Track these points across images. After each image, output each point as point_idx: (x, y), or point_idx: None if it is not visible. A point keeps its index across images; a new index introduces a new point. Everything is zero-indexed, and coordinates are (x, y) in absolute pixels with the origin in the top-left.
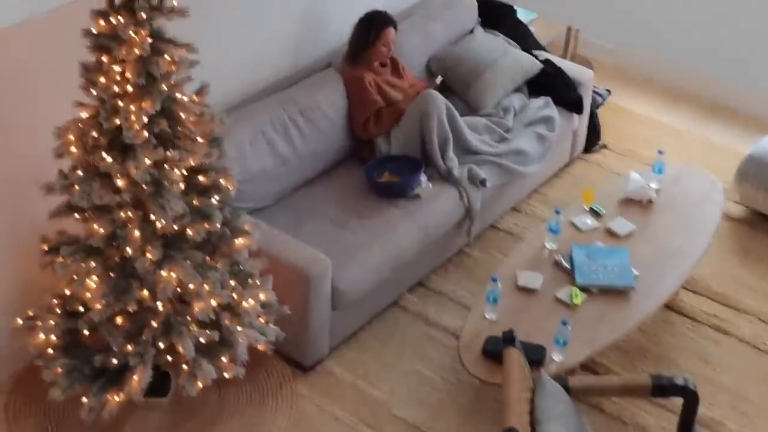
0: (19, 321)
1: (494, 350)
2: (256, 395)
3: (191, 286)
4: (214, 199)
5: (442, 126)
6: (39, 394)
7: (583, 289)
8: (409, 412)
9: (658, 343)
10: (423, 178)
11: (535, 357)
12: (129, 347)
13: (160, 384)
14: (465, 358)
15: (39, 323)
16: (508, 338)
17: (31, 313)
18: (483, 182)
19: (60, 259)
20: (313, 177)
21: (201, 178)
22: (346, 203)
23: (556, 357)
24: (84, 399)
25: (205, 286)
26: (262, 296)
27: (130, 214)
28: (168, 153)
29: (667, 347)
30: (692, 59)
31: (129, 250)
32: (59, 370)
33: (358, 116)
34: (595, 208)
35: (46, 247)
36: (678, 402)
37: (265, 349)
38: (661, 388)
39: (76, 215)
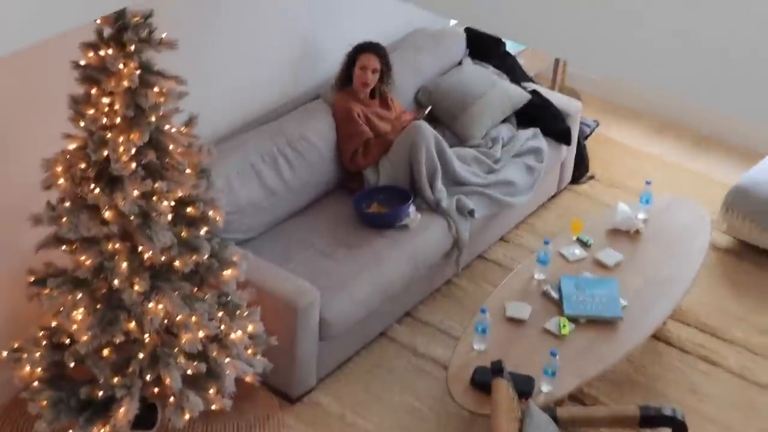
0: (5, 353)
1: (483, 381)
2: (243, 427)
3: (179, 317)
4: (202, 231)
5: (430, 157)
6: (25, 427)
7: (572, 319)
8: None
9: (646, 373)
10: (411, 208)
11: (524, 388)
12: (115, 379)
13: (146, 416)
14: (453, 389)
15: (25, 355)
16: (497, 369)
17: (16, 346)
18: (471, 213)
19: (47, 291)
20: (302, 208)
21: (189, 209)
22: (335, 234)
23: (545, 388)
24: None
25: (193, 317)
26: (249, 327)
27: (117, 245)
28: (156, 184)
29: (655, 378)
30: (680, 90)
31: (116, 281)
32: (45, 402)
33: (347, 148)
34: (583, 239)
35: (32, 279)
36: None
37: (253, 381)
38: (649, 419)
39: (64, 247)
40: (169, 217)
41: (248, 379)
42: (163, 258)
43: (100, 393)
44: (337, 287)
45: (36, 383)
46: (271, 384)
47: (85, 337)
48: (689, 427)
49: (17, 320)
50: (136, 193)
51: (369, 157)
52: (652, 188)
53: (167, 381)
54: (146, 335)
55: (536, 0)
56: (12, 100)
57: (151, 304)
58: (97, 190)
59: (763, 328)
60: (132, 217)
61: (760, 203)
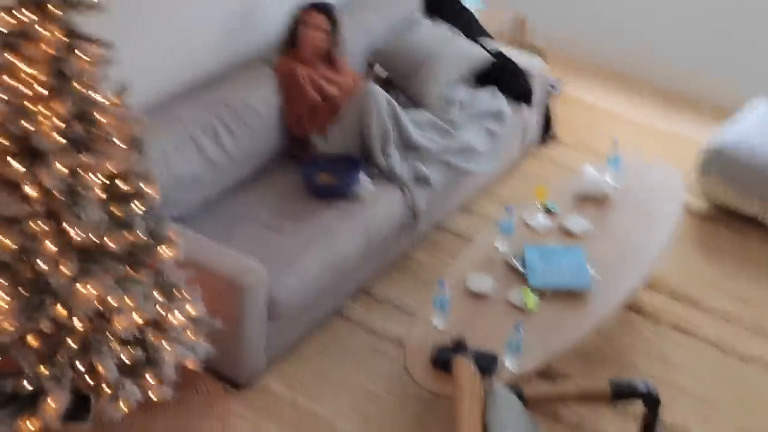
0: None
1: (443, 359)
2: (186, 416)
3: (112, 301)
4: (136, 207)
5: (382, 122)
6: None
7: (537, 291)
8: (353, 428)
9: (618, 346)
10: (363, 177)
11: (488, 365)
12: (43, 370)
13: (79, 408)
14: (412, 368)
15: None
16: (458, 346)
17: None
18: (428, 181)
19: None
20: (246, 180)
21: (121, 184)
22: (282, 207)
23: (510, 364)
24: None
25: (127, 300)
26: (190, 309)
27: (42, 225)
28: (83, 158)
29: (627, 350)
30: (644, 45)
31: (42, 264)
32: None
33: (292, 113)
34: (548, 206)
35: None
36: (640, 407)
37: (195, 367)
38: (621, 393)
39: None
40: (100, 193)
41: (190, 365)
42: (93, 237)
43: (27, 385)
44: (285, 264)
45: None
46: (216, 370)
47: (8, 325)
48: (662, 400)
49: None
50: (61, 167)
51: (316, 123)
52: (621, 150)
53: (101, 370)
54: (76, 321)
55: None
56: None
57: (80, 288)
58: (18, 166)
59: (738, 295)
60: (58, 194)
61: (736, 166)
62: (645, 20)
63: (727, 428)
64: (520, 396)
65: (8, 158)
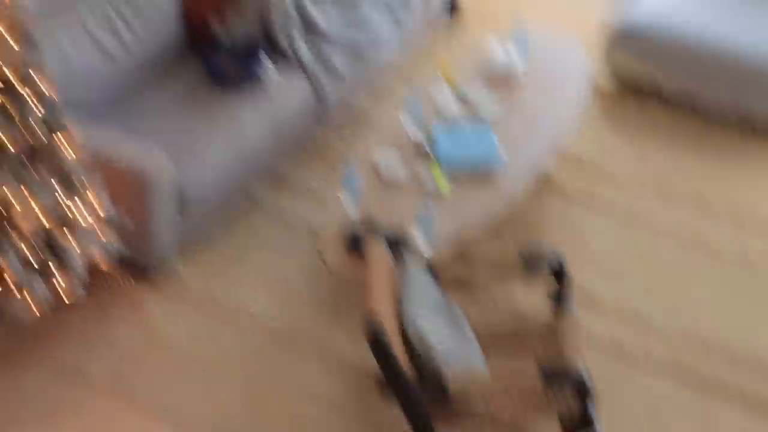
0: None
1: (355, 243)
2: (97, 312)
3: (11, 198)
4: (32, 104)
5: (284, 6)
6: None
7: (448, 172)
8: (269, 313)
9: (529, 221)
10: (266, 62)
11: (400, 246)
12: None
13: None
14: (325, 253)
15: None
16: (370, 229)
17: None
18: (333, 65)
19: None
20: (148, 76)
21: (13, 83)
22: (187, 99)
23: (423, 244)
24: None
25: (28, 196)
26: (96, 205)
27: None
28: None
29: (538, 225)
30: None
31: None
32: None
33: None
34: (455, 85)
35: None
36: (550, 279)
37: (105, 263)
38: (531, 264)
39: None
40: None
41: (99, 260)
42: None
43: None
44: (192, 155)
45: None
46: (127, 263)
47: None
48: (573, 270)
49: None
50: None
51: (216, 8)
52: (528, 24)
53: (7, 271)
54: None
55: None
56: None
57: None
58: None
59: (646, 165)
60: None
61: (646, 40)
62: None
63: (633, 291)
64: (433, 275)
65: None
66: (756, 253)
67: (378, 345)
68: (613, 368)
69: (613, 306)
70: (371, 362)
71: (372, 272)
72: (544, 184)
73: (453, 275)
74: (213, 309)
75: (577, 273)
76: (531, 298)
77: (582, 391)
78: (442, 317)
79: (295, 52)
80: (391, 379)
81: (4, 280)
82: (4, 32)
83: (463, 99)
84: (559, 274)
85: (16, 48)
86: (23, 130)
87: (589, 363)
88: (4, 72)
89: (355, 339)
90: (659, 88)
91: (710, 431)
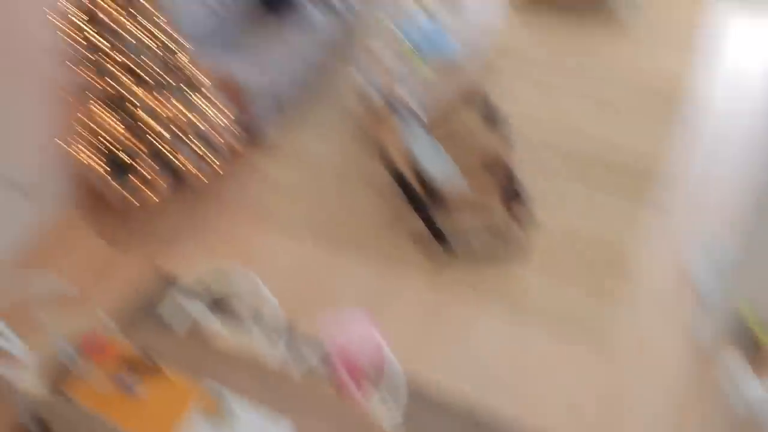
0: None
1: (375, 112)
2: (235, 170)
3: (179, 111)
4: (171, 41)
5: None
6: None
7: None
8: (330, 156)
9: (479, 87)
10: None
11: (405, 112)
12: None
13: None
14: (358, 119)
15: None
16: (386, 102)
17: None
18: (352, 6)
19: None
20: (237, 21)
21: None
22: (258, 31)
23: (418, 110)
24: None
25: (185, 109)
26: (224, 109)
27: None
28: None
29: (488, 89)
30: None
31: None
32: (104, 176)
33: None
34: (425, 7)
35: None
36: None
37: (235, 143)
38: (485, 113)
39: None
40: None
41: (232, 143)
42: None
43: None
44: (273, 67)
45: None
46: (245, 141)
47: (111, 128)
48: (506, 113)
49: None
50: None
51: None
52: None
53: (182, 158)
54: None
55: None
56: None
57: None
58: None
59: (546, 48)
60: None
61: None
62: None
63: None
64: (426, 128)
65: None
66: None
67: (397, 175)
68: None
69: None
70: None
71: (388, 129)
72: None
73: (437, 127)
74: (298, 159)
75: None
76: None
77: (512, 176)
78: (433, 153)
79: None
80: (408, 194)
81: (183, 163)
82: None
83: (430, 15)
84: (492, 111)
85: (151, 8)
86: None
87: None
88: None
89: (383, 170)
90: None
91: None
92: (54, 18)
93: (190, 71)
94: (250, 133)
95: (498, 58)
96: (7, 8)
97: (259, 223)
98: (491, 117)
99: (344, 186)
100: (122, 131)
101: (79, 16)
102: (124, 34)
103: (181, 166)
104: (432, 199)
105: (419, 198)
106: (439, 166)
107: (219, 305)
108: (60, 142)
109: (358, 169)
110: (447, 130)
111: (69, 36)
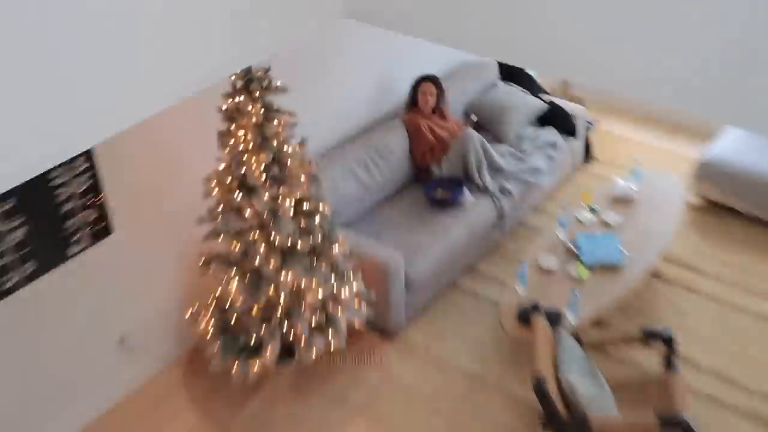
0: (187, 314)
1: (525, 316)
2: (355, 357)
3: (303, 283)
4: (316, 220)
5: (477, 153)
6: (204, 365)
7: (587, 266)
8: (467, 363)
9: (645, 302)
10: (466, 192)
11: (555, 319)
12: (263, 329)
13: (286, 354)
14: (504, 322)
15: (201, 315)
16: (534, 307)
17: (195, 308)
18: (510, 192)
19: (212, 269)
20: (387, 197)
21: (305, 205)
22: (412, 214)
23: (571, 318)
24: (234, 367)
25: (313, 282)
26: (355, 286)
27: (257, 234)
28: (280, 190)
29: (651, 305)
30: (652, 95)
31: (258, 260)
32: (216, 347)
33: (418, 151)
34: (592, 206)
35: (202, 261)
36: (662, 345)
37: (360, 325)
38: (649, 336)
39: (220, 238)
40: (291, 212)
41: (356, 324)
42: (289, 241)
43: (253, 339)
44: (416, 252)
45: (209, 335)
46: (374, 326)
47: (239, 301)
48: (678, 342)
49: (194, 291)
50: (266, 196)
51: (434, 157)
52: (641, 165)
53: (298, 329)
54: (281, 297)
55: (546, 42)
56: (180, 137)
57: (283, 276)
58: (240, 196)
59: (729, 263)
60: (265, 214)
61: (722, 173)
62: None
63: (723, 356)
64: (579, 340)
65: (234, 192)
66: None
67: (541, 391)
68: (709, 415)
69: (709, 368)
70: (536, 403)
71: (536, 338)
72: (655, 275)
73: (593, 340)
74: (429, 359)
75: (680, 339)
76: (649, 358)
77: (670, 344)
78: (586, 372)
79: (484, 184)
80: (549, 416)
81: (297, 334)
82: (299, 172)
83: (597, 216)
84: (668, 342)
85: (306, 182)
86: (310, 238)
87: (693, 411)
88: (298, 198)
89: (525, 384)
90: (733, 205)
91: None
92: (209, 183)
93: (331, 248)
94: (383, 318)
95: (667, 270)
96: (173, 166)
97: (371, 423)
98: (655, 338)
99: (474, 392)
100: (255, 311)
101: (231, 185)
102: (279, 211)
103: (295, 338)
104: (576, 426)
105: (562, 421)
106: (589, 388)
107: None
108: (186, 312)
109: (494, 376)
110: (602, 345)
111: (220, 203)
